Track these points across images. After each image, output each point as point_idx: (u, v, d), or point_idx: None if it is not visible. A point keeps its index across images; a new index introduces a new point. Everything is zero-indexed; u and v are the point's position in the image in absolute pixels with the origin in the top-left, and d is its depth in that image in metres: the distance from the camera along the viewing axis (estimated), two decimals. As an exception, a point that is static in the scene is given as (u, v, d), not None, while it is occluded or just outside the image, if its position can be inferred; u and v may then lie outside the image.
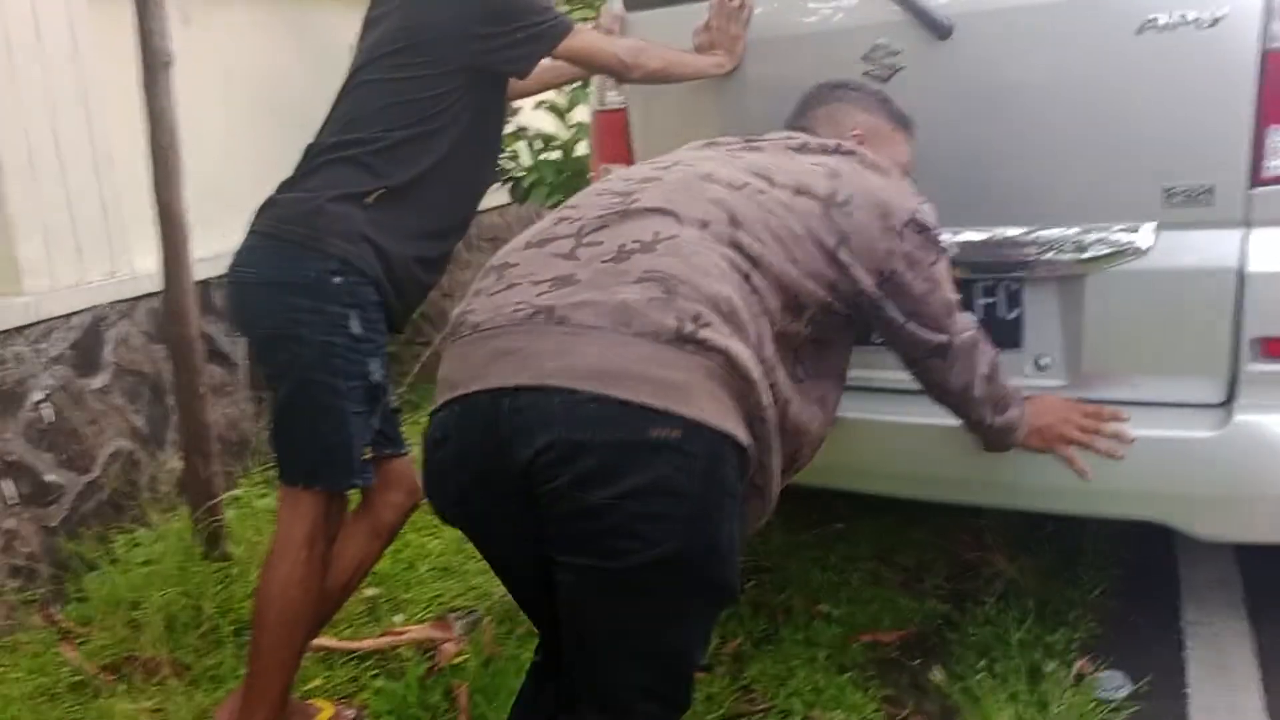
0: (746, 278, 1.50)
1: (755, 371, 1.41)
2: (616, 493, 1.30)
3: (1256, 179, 1.90)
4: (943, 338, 1.77)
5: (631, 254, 1.43)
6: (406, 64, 2.13)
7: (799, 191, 1.63)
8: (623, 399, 1.30)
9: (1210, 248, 1.94)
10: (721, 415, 1.36)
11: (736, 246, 1.51)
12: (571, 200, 1.67)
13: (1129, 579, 2.61)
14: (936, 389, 1.87)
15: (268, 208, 2.16)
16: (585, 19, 3.89)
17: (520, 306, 1.41)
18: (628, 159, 2.58)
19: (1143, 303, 2.02)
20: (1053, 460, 2.00)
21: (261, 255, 2.12)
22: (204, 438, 2.93)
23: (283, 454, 2.16)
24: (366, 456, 2.14)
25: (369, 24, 2.27)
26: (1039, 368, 2.16)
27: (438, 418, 1.47)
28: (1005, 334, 2.16)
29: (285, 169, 2.18)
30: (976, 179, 2.13)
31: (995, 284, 2.18)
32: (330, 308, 2.06)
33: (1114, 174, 2.02)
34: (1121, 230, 2.02)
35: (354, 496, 2.26)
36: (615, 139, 2.62)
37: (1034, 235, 2.10)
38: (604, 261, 1.44)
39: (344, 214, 2.08)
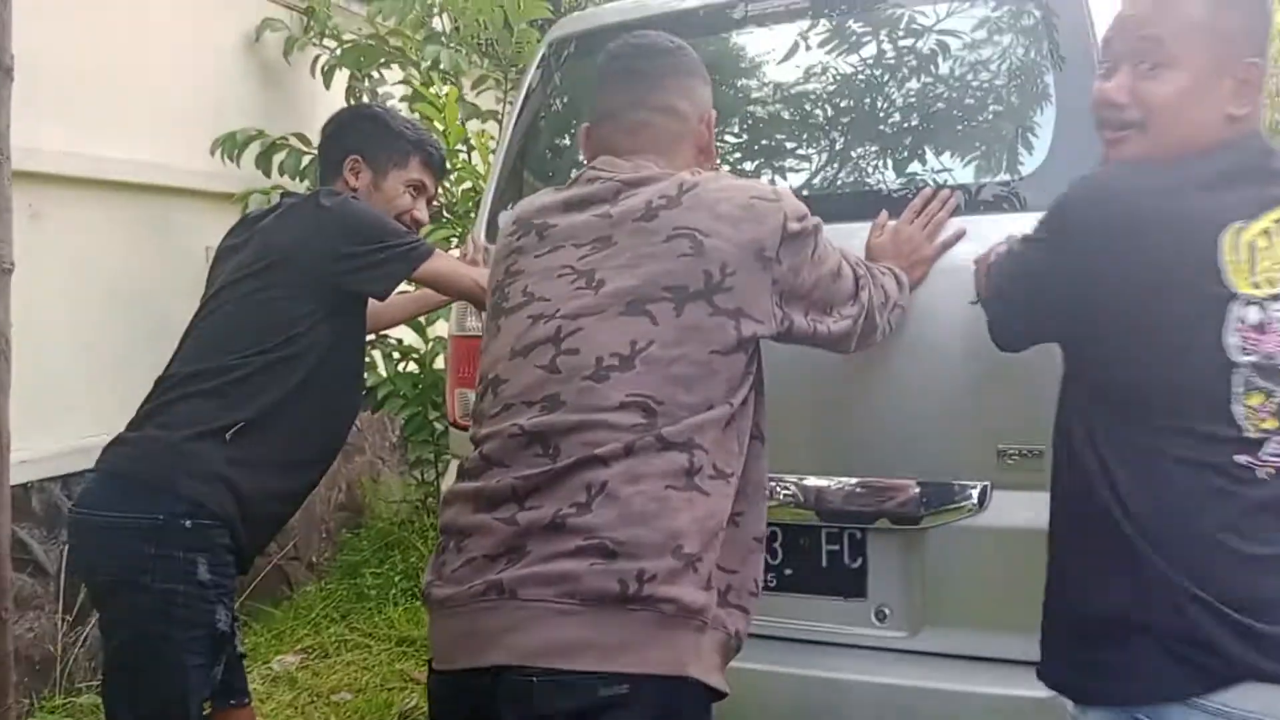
0: (692, 485, 1.51)
1: (706, 598, 1.49)
2: None
3: (1082, 446, 1.99)
4: (852, 310, 1.78)
5: (570, 520, 1.47)
6: (265, 286, 2.12)
7: (678, 304, 1.56)
8: (571, 669, 1.41)
9: (1040, 509, 2.01)
10: (675, 660, 1.46)
11: (666, 444, 1.50)
12: (491, 441, 1.61)
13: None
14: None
15: (116, 445, 2.07)
16: (449, 238, 3.97)
17: (475, 585, 1.49)
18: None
19: (979, 559, 2.07)
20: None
21: (107, 495, 2.02)
22: (2, 666, 2.68)
23: (113, 708, 2.00)
24: (206, 712, 1.99)
25: (224, 253, 2.26)
26: (879, 618, 2.17)
27: (430, 682, 1.61)
28: (849, 583, 2.18)
29: (131, 370, 2.11)
30: (826, 428, 2.19)
31: (840, 532, 2.21)
32: (177, 553, 1.96)
33: (954, 432, 2.10)
34: (959, 486, 2.08)
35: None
36: (471, 366, 2.62)
37: (878, 486, 2.15)
38: (552, 532, 1.47)
39: (201, 452, 2.01)
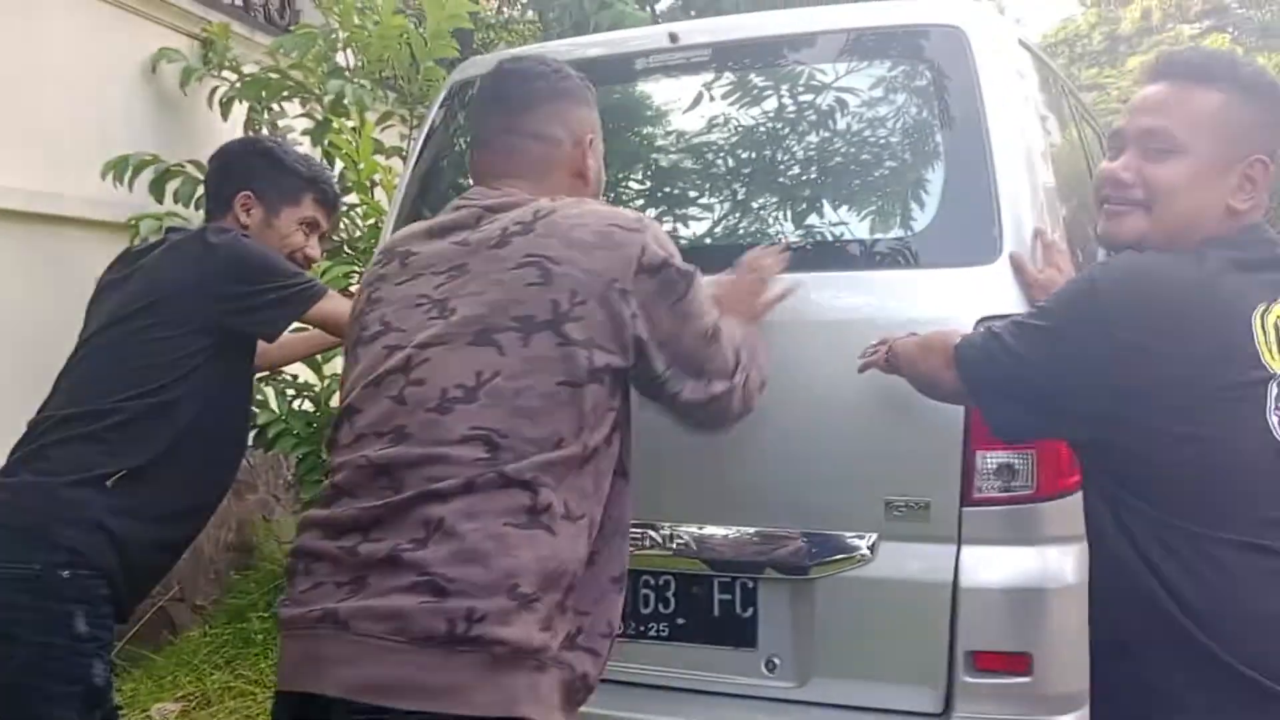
0: (537, 523, 1.48)
1: (544, 638, 1.47)
2: None
3: (967, 499, 2.04)
4: (719, 386, 1.70)
5: (406, 555, 1.45)
6: (148, 325, 2.05)
7: (526, 334, 1.53)
8: (395, 708, 1.40)
9: (927, 561, 2.05)
10: (505, 702, 1.43)
11: (509, 481, 1.49)
12: (342, 471, 1.59)
13: None
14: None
15: None
16: (348, 273, 3.90)
17: (314, 610, 1.48)
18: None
19: (867, 610, 2.09)
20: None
21: None
22: None
23: None
24: None
25: (104, 288, 2.19)
26: (770, 668, 2.18)
27: (274, 702, 1.59)
28: (739, 632, 2.19)
29: (16, 409, 2.01)
30: (719, 478, 2.19)
31: (732, 581, 2.22)
32: (53, 605, 1.88)
33: (842, 484, 2.12)
34: (848, 537, 2.11)
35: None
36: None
37: (769, 535, 2.17)
38: (390, 566, 1.46)
39: (81, 500, 1.93)
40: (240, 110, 4.38)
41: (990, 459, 2.01)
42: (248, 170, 2.33)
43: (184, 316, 2.08)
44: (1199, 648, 1.42)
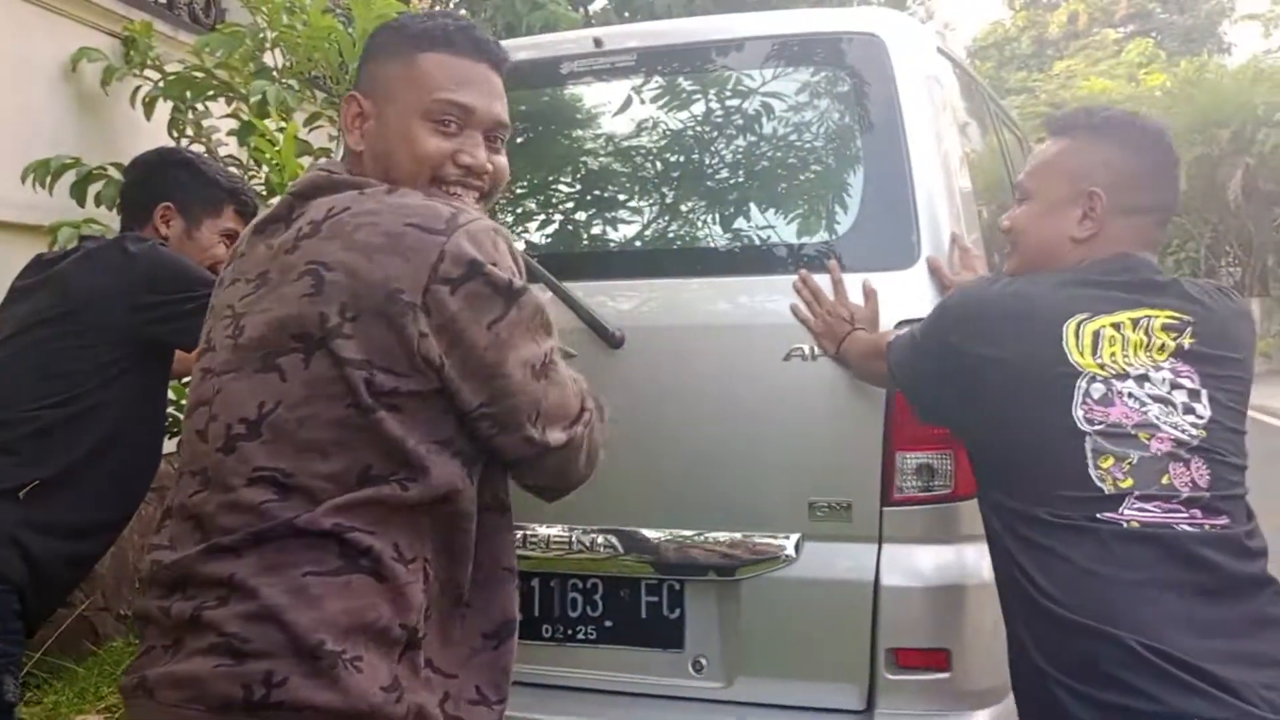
0: (352, 568, 1.28)
1: (375, 701, 1.26)
2: None
3: (888, 499, 2.08)
4: (554, 437, 1.42)
5: (206, 613, 1.29)
6: (63, 333, 2.02)
7: (306, 355, 1.32)
8: None
9: (849, 560, 2.09)
10: None
11: (302, 534, 1.28)
12: (169, 519, 1.42)
13: None
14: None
15: None
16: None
17: (132, 679, 1.33)
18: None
19: (791, 609, 2.13)
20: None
21: None
22: None
23: None
24: None
25: (16, 294, 2.15)
26: (697, 669, 2.20)
27: None
28: (667, 634, 2.22)
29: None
30: (643, 482, 2.21)
31: (660, 583, 2.24)
32: None
33: (766, 485, 2.16)
34: (772, 539, 2.14)
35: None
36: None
37: (696, 538, 2.19)
38: (194, 626, 1.30)
39: None
40: (164, 110, 4.31)
41: (910, 459, 2.06)
42: (167, 182, 2.30)
43: (102, 325, 2.05)
44: (1056, 619, 1.51)
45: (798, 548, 2.12)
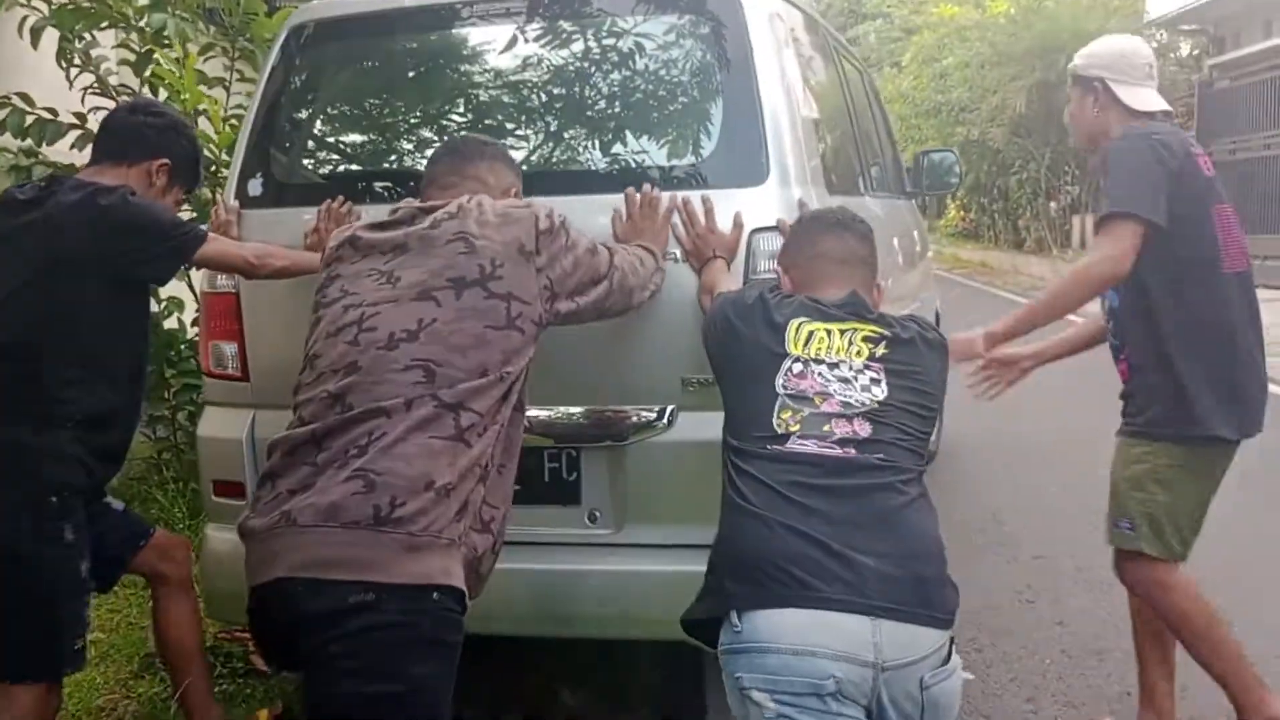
0: (458, 437, 1.90)
1: (454, 524, 1.88)
2: (329, 636, 1.81)
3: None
4: (612, 277, 2.25)
5: (350, 458, 1.87)
6: (57, 286, 2.39)
7: (458, 290, 1.99)
8: (327, 579, 1.80)
9: (713, 426, 2.51)
10: (420, 573, 1.83)
11: (440, 404, 1.90)
12: (306, 406, 2.00)
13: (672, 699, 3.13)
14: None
15: None
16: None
17: (273, 516, 1.88)
18: (237, 338, 2.84)
19: (669, 468, 2.58)
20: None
21: None
22: None
23: None
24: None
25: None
26: (592, 520, 2.65)
27: (248, 600, 1.96)
28: (566, 493, 2.66)
29: None
30: (546, 366, 2.56)
31: (559, 451, 2.67)
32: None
33: (647, 365, 2.60)
34: (651, 410, 2.59)
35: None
36: (226, 320, 2.87)
37: (588, 411, 2.63)
38: (335, 468, 1.87)
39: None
40: (51, 40, 4.36)
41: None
42: (173, 145, 2.61)
43: (91, 274, 2.40)
44: (743, 510, 2.02)
45: (672, 417, 2.58)
